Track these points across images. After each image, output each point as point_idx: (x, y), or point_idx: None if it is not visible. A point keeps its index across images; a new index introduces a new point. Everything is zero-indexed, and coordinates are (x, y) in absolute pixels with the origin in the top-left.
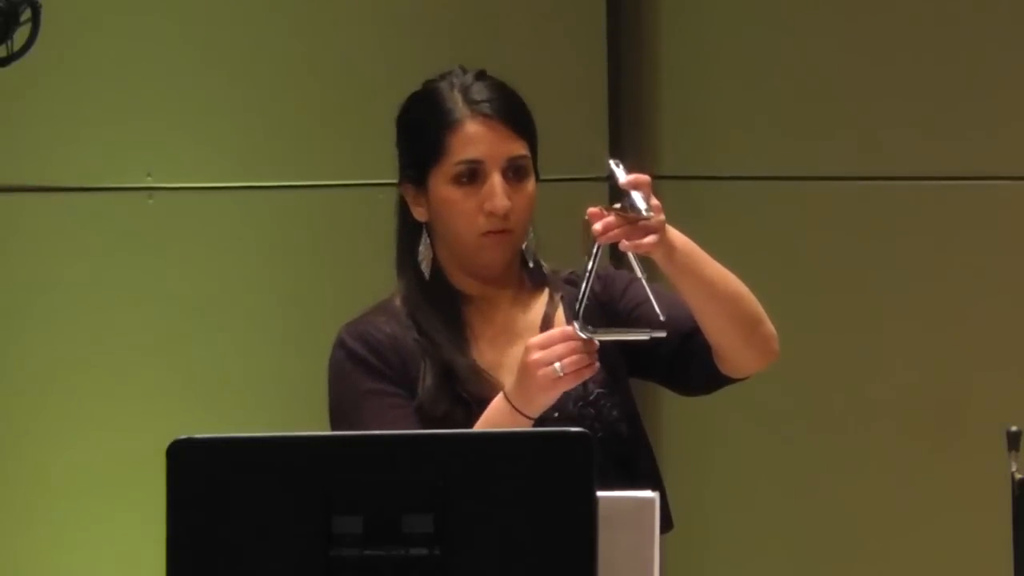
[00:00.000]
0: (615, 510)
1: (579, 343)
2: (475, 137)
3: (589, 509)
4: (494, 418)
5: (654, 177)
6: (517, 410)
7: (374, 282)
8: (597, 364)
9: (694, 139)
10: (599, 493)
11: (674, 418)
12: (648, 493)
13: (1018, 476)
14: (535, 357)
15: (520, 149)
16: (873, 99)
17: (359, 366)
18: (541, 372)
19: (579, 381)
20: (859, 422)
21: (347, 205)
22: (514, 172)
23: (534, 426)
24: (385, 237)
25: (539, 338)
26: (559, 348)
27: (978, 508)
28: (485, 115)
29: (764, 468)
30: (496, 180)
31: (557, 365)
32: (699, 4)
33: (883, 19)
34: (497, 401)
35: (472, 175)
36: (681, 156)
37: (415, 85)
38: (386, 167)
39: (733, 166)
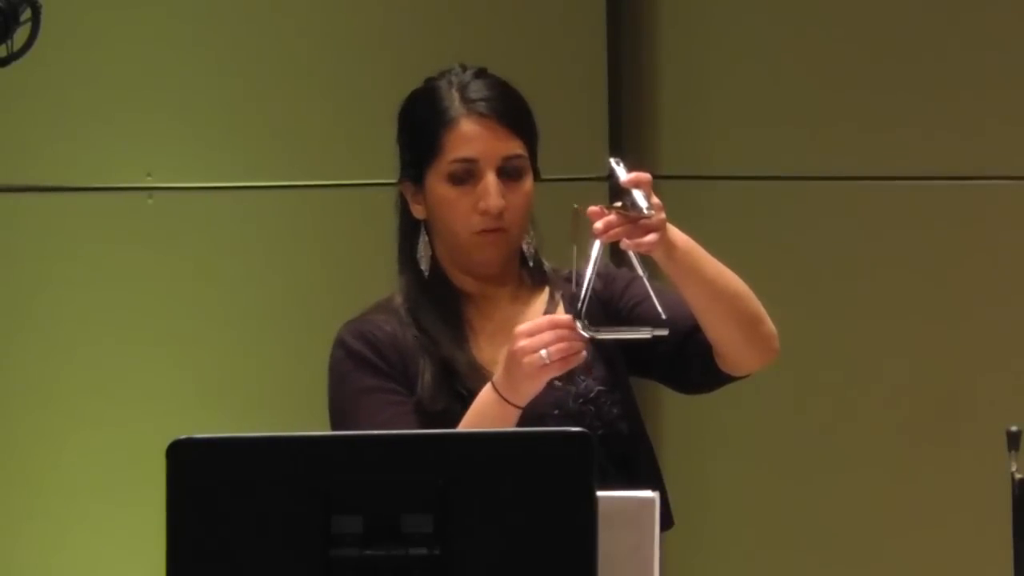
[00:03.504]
0: (615, 510)
1: (566, 331)
2: (470, 136)
3: (589, 509)
4: (482, 408)
5: (654, 177)
6: (505, 399)
7: (374, 282)
8: (584, 352)
9: (694, 139)
10: (599, 493)
11: (675, 416)
12: (648, 493)
13: (1018, 476)
14: (521, 344)
15: (516, 148)
16: (873, 99)
17: (359, 364)
18: (527, 359)
19: (566, 368)
20: (859, 421)
21: (347, 205)
22: (509, 171)
23: (537, 426)
24: (385, 237)
25: (526, 325)
26: (546, 335)
27: (978, 508)
28: (481, 114)
29: (764, 467)
30: (490, 179)
31: (544, 352)
32: (699, 5)
33: (883, 19)
34: (485, 391)
35: (467, 174)
36: (681, 156)
37: (415, 85)
38: (386, 167)
39: (733, 166)
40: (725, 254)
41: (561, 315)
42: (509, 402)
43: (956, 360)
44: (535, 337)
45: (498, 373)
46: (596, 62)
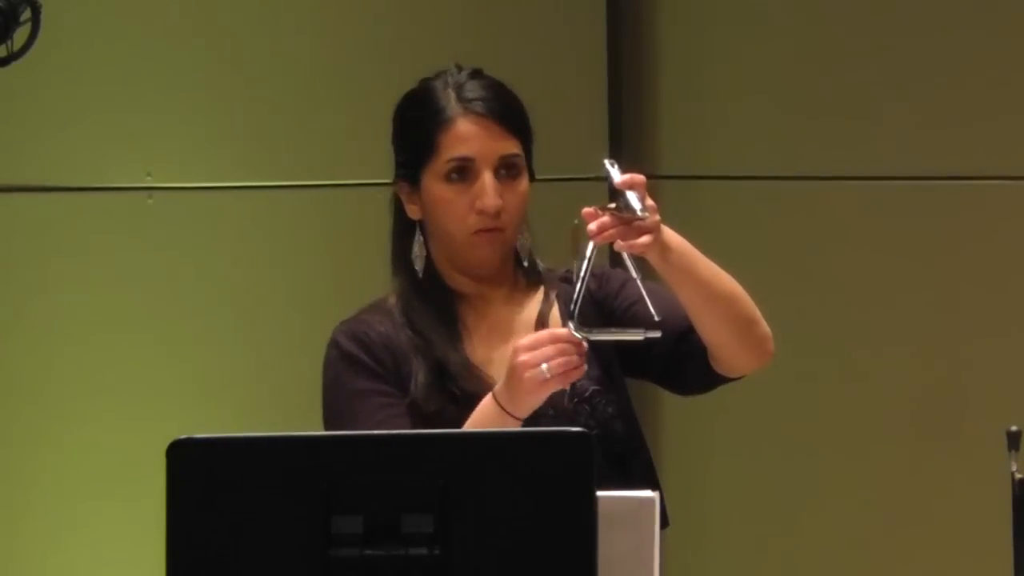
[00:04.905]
0: (615, 510)
1: (567, 345)
2: (466, 135)
3: (589, 509)
4: (482, 418)
5: (654, 177)
6: (505, 411)
7: (374, 282)
8: (585, 366)
9: (694, 139)
10: (599, 493)
11: (673, 416)
12: (648, 493)
13: (1018, 476)
14: (523, 359)
15: (512, 148)
16: (873, 99)
17: (352, 366)
18: (528, 374)
19: (567, 383)
20: (858, 422)
21: (347, 205)
22: (506, 170)
23: (532, 425)
24: (385, 237)
25: (527, 340)
26: (547, 350)
27: (978, 508)
28: (477, 113)
29: (762, 467)
30: (487, 178)
31: (544, 367)
32: (699, 5)
33: (883, 19)
34: (486, 401)
35: (463, 173)
36: (681, 156)
37: (415, 85)
38: (385, 167)
39: (733, 166)
40: (724, 254)
41: (561, 329)
42: (510, 414)
43: (956, 360)
44: (536, 351)
45: (499, 385)
46: (596, 62)
